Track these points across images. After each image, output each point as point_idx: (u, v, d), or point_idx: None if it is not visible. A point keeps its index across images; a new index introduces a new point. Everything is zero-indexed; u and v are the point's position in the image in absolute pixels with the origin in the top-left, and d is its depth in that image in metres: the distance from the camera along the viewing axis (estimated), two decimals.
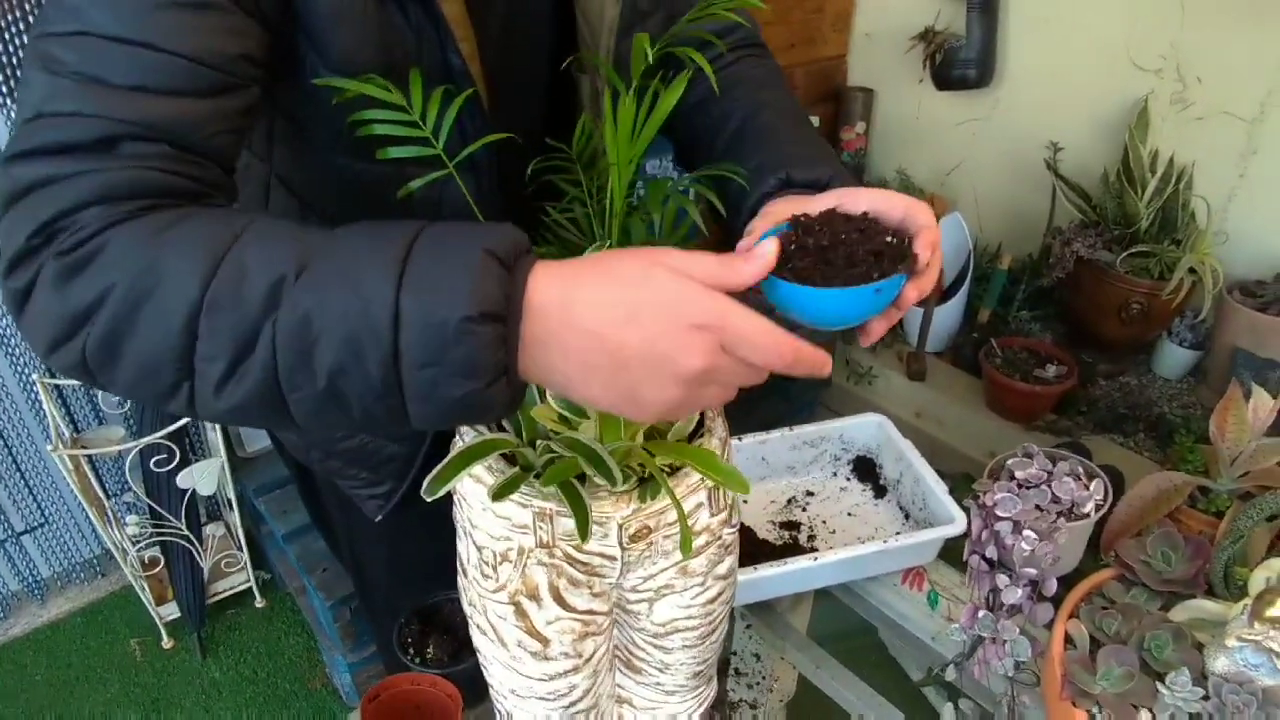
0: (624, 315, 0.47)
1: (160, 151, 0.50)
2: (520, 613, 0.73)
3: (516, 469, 0.67)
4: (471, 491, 0.71)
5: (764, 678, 1.09)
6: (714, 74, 0.65)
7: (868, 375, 1.77)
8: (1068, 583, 0.96)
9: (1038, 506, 1.03)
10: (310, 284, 0.46)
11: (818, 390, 1.89)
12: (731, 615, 1.10)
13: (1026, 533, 0.97)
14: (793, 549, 1.21)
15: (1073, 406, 1.52)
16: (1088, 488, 1.08)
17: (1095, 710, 0.81)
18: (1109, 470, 1.16)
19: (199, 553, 1.79)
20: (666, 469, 0.71)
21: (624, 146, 0.62)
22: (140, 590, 1.79)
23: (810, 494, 1.32)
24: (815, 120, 1.64)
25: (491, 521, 0.70)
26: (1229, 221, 1.53)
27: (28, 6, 1.39)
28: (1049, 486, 1.06)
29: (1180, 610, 0.88)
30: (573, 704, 0.80)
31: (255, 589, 1.95)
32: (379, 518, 0.97)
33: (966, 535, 1.05)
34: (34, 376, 1.68)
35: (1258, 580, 0.84)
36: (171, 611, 1.86)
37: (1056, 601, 0.94)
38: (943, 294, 1.68)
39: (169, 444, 1.60)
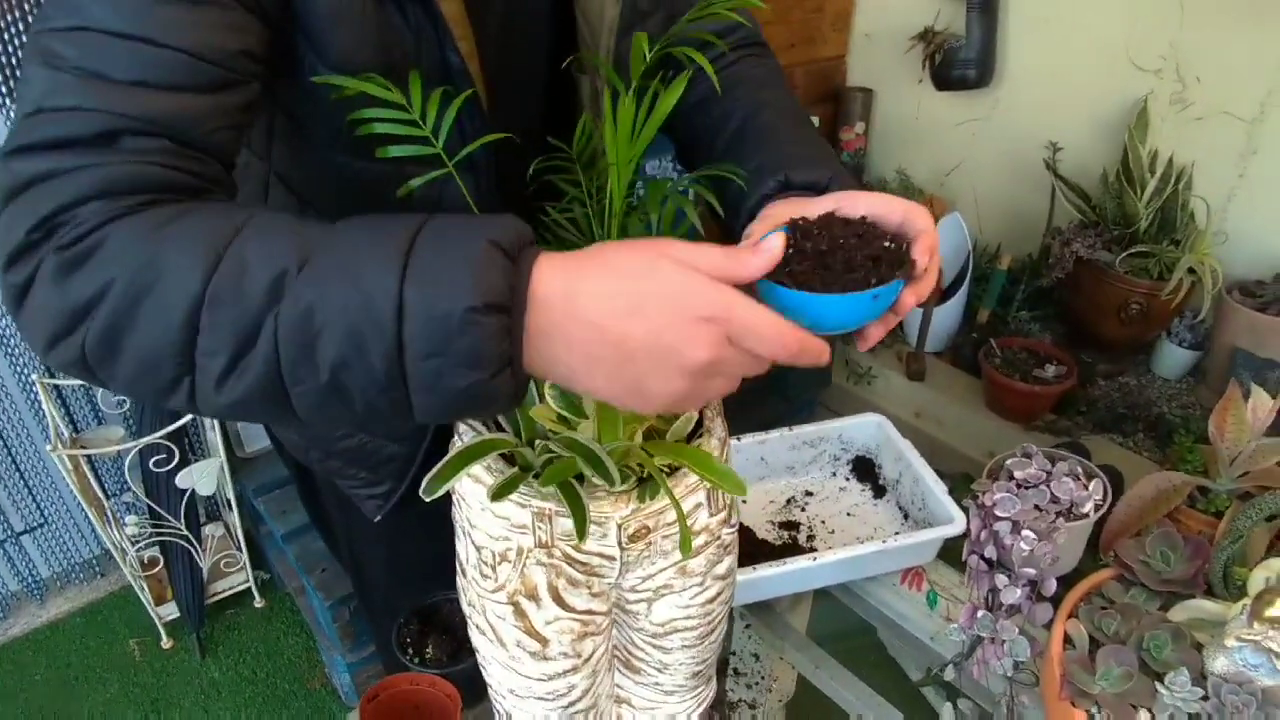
0: (629, 307, 0.47)
1: (161, 147, 0.50)
2: (519, 613, 0.73)
3: (515, 469, 0.67)
4: (470, 491, 0.71)
5: (763, 678, 1.09)
6: (715, 74, 0.65)
7: (867, 375, 1.77)
8: (1067, 583, 0.96)
9: (1037, 506, 1.03)
10: (312, 277, 0.46)
11: (817, 390, 1.89)
12: (730, 615, 1.10)
13: (1025, 533, 0.97)
14: (792, 549, 1.21)
15: (1072, 406, 1.52)
16: (1087, 488, 1.08)
17: (1094, 710, 0.81)
18: (1108, 470, 1.16)
19: (198, 553, 1.79)
20: (665, 469, 0.71)
21: (623, 147, 0.62)
22: (139, 590, 1.79)
23: (809, 494, 1.32)
24: (815, 120, 1.64)
25: (490, 521, 0.70)
26: (1228, 222, 1.53)
27: (27, 6, 1.39)
28: (1048, 486, 1.06)
29: (1179, 610, 0.88)
30: (571, 704, 0.80)
31: (254, 589, 1.94)
32: (378, 518, 0.97)
33: (965, 535, 1.05)
34: (33, 376, 1.68)
35: (1257, 580, 0.84)
36: (171, 611, 1.86)
37: (1055, 601, 0.94)
38: (942, 294, 1.69)
39: (168, 444, 1.60)
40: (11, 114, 0.51)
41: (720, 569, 0.80)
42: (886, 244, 0.56)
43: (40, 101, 0.49)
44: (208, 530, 1.96)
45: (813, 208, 0.59)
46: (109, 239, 0.46)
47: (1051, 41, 1.68)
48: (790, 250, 0.55)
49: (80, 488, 1.61)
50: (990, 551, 0.99)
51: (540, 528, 0.68)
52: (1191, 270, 1.44)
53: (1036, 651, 0.96)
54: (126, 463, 1.62)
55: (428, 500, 0.63)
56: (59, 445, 1.56)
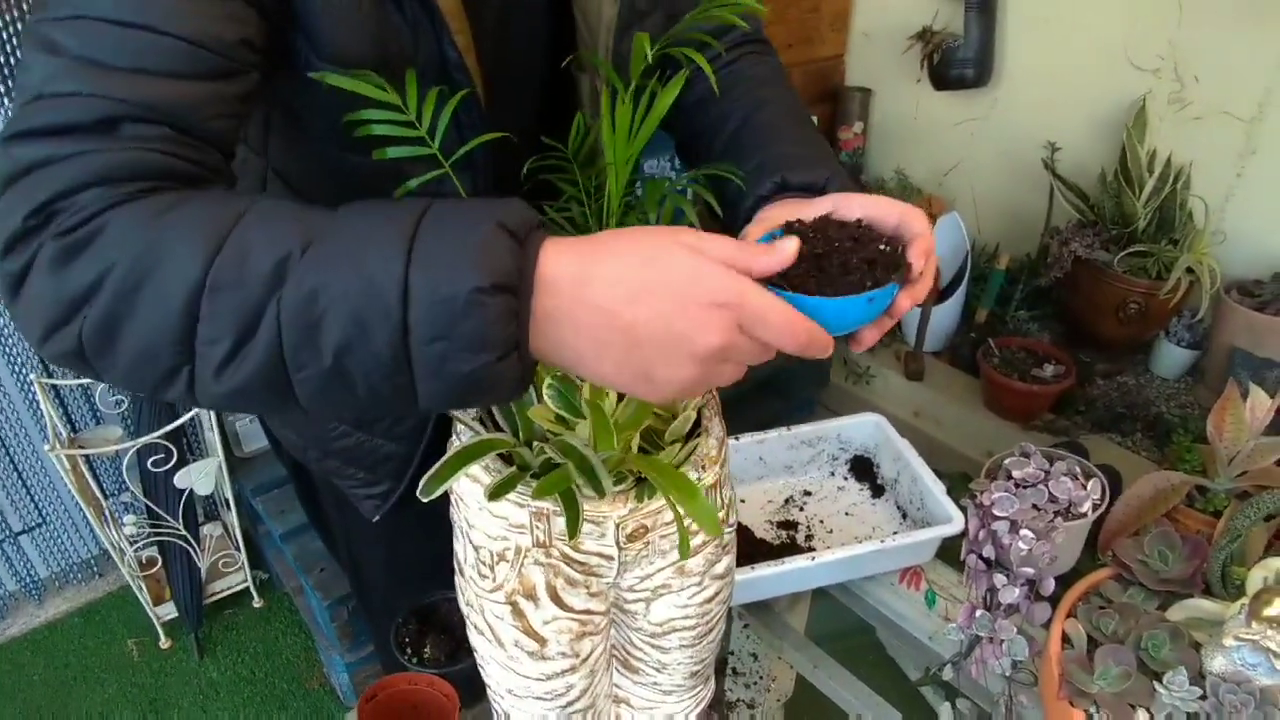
0: (639, 291, 0.46)
1: (161, 134, 0.50)
2: (517, 612, 0.73)
3: (513, 469, 0.67)
4: (468, 491, 0.71)
5: (761, 677, 1.09)
6: (714, 73, 0.65)
7: (865, 375, 1.78)
8: (1065, 582, 0.96)
9: (1035, 506, 1.03)
10: (316, 261, 0.45)
11: (815, 390, 1.89)
12: (729, 615, 1.10)
13: (1024, 532, 0.97)
14: (790, 548, 1.21)
15: (1070, 406, 1.53)
16: (1085, 487, 1.08)
17: (1093, 710, 0.81)
18: (1106, 470, 1.16)
19: (196, 553, 1.79)
20: None
21: (621, 146, 0.62)
22: (138, 590, 1.78)
23: (808, 493, 1.32)
24: (814, 121, 1.65)
25: (488, 521, 0.70)
26: (1227, 221, 1.53)
27: (25, 6, 1.39)
28: (1046, 486, 1.06)
29: (1178, 610, 0.88)
30: (570, 704, 0.80)
31: (253, 589, 1.94)
32: (376, 518, 0.96)
33: (964, 535, 1.05)
34: (31, 376, 1.68)
35: (1255, 579, 0.84)
36: (169, 611, 1.86)
37: (1054, 601, 0.94)
38: (940, 294, 1.69)
39: (166, 444, 1.60)
40: (11, 113, 0.51)
41: (718, 569, 0.80)
42: (882, 247, 0.56)
43: (40, 88, 0.49)
44: (206, 530, 1.96)
45: (809, 210, 0.59)
46: (108, 226, 0.46)
47: (1050, 41, 1.68)
48: None
49: (78, 488, 1.61)
50: (988, 551, 0.99)
51: (538, 527, 0.68)
52: (1190, 270, 1.44)
53: (1035, 651, 0.96)
54: (124, 462, 1.62)
55: (425, 500, 0.63)
56: (57, 445, 1.56)
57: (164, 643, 1.86)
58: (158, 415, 1.62)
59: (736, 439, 1.28)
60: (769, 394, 1.83)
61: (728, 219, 0.70)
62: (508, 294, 0.45)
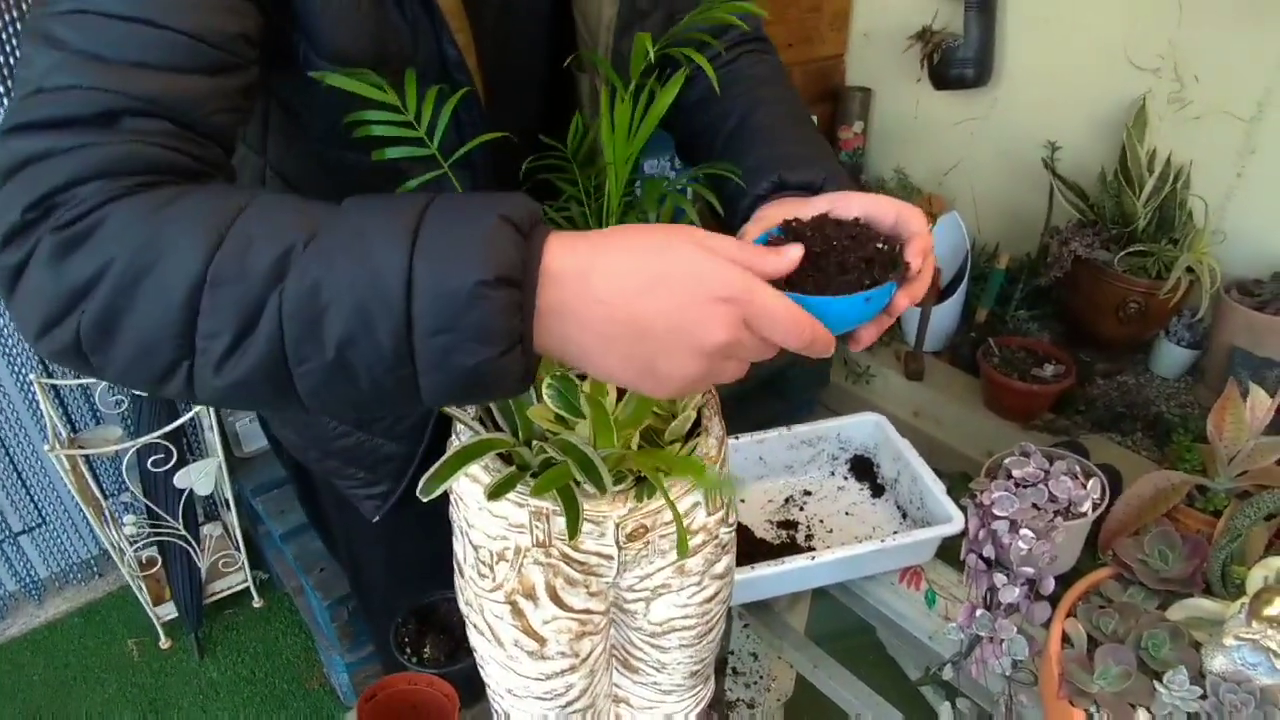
0: (645, 284, 0.46)
1: (161, 128, 0.49)
2: (517, 612, 0.73)
3: (512, 468, 0.67)
4: (468, 491, 0.71)
5: (761, 677, 1.09)
6: (714, 73, 0.65)
7: (865, 375, 1.78)
8: (1065, 582, 0.96)
9: (1035, 505, 1.03)
10: (319, 253, 0.45)
11: (815, 389, 1.89)
12: (729, 614, 1.10)
13: (1024, 532, 0.97)
14: (790, 548, 1.21)
15: (1070, 405, 1.53)
16: (1085, 486, 1.08)
17: (1093, 709, 0.81)
18: (1106, 469, 1.16)
19: (196, 553, 1.79)
20: (663, 468, 0.70)
21: (621, 145, 0.62)
22: (138, 590, 1.78)
23: (808, 493, 1.32)
24: (814, 120, 1.65)
25: (488, 521, 0.70)
26: (1227, 220, 1.53)
27: (24, 6, 1.39)
28: (1046, 485, 1.06)
29: (1178, 609, 0.88)
30: (570, 703, 0.80)
31: (253, 589, 1.94)
32: (376, 519, 0.96)
33: (964, 534, 1.05)
34: (31, 376, 1.68)
35: (1255, 579, 0.84)
36: (169, 612, 1.86)
37: (1054, 600, 0.94)
38: (940, 293, 1.69)
39: (166, 444, 1.60)
40: (10, 107, 0.50)
41: (718, 568, 0.80)
42: (880, 245, 0.55)
43: (40, 81, 0.48)
44: (206, 530, 1.96)
45: (807, 209, 0.59)
46: (108, 219, 0.45)
47: (1050, 41, 1.68)
48: None
49: (78, 488, 1.61)
50: (988, 550, 0.99)
51: (538, 527, 0.68)
52: (1190, 269, 1.44)
53: (1035, 650, 0.96)
54: (124, 462, 1.62)
55: (425, 500, 0.63)
56: (57, 445, 1.56)
57: (164, 643, 1.86)
58: (158, 415, 1.62)
59: (736, 439, 1.28)
60: (769, 394, 1.83)
61: (728, 218, 0.70)
62: (512, 287, 0.45)
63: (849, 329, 0.56)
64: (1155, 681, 0.81)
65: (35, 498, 1.86)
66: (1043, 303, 1.73)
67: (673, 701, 0.91)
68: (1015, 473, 1.07)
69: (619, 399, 0.66)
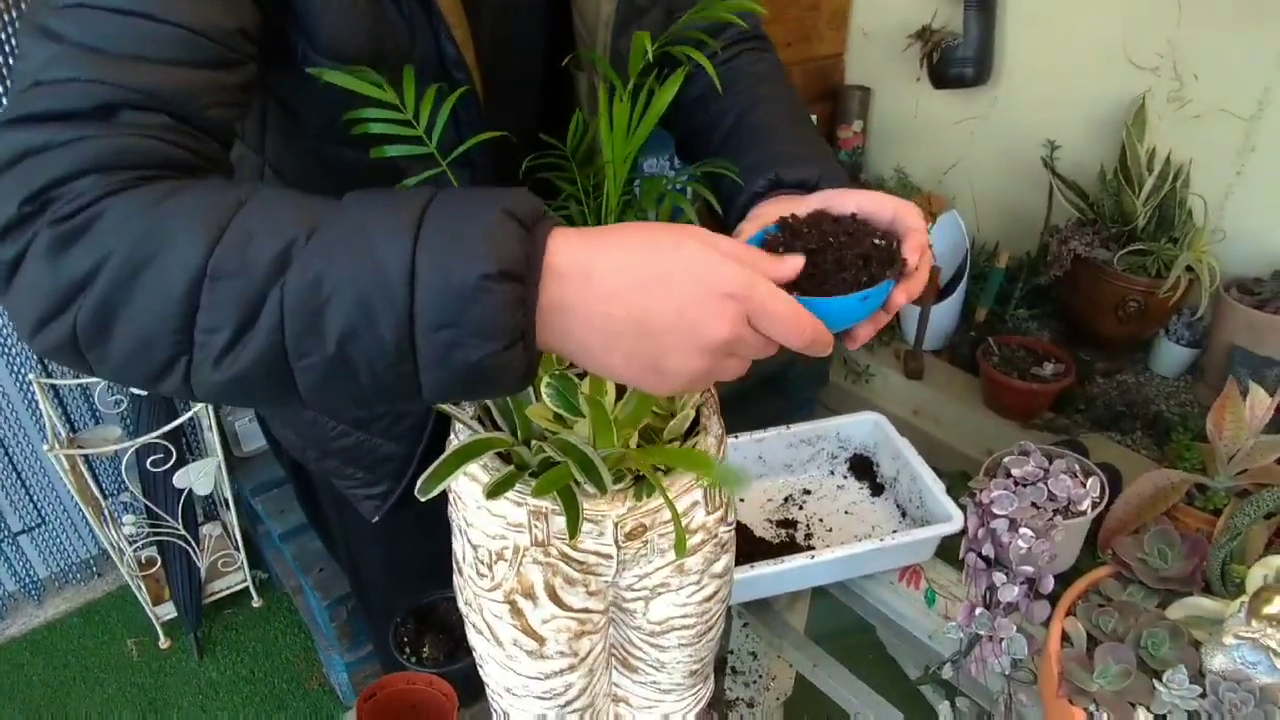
0: (650, 280, 0.46)
1: (160, 122, 0.49)
2: (516, 611, 0.73)
3: (511, 468, 0.67)
4: (466, 490, 0.70)
5: (761, 676, 1.09)
6: (713, 71, 0.65)
7: (865, 374, 1.77)
8: (1065, 580, 0.96)
9: (1034, 504, 1.02)
10: (320, 246, 0.45)
11: (815, 388, 1.89)
12: (728, 613, 1.10)
13: (1023, 530, 0.97)
14: (790, 547, 1.21)
15: (1070, 404, 1.53)
16: (1084, 485, 1.08)
17: (1092, 708, 0.81)
18: (1106, 468, 1.16)
19: (196, 552, 1.79)
20: (661, 468, 0.70)
21: (619, 144, 0.62)
22: (137, 590, 1.78)
23: (807, 492, 1.32)
24: (813, 119, 1.66)
25: (487, 520, 0.70)
26: (1226, 219, 1.53)
27: (24, 6, 1.39)
28: (1046, 484, 1.06)
29: (1177, 608, 0.88)
30: (569, 703, 0.80)
31: (252, 589, 1.94)
32: (375, 519, 0.96)
33: (963, 533, 1.05)
34: (30, 376, 1.67)
35: (1255, 577, 0.84)
36: (168, 611, 1.86)
37: (1053, 599, 0.94)
38: (940, 292, 1.69)
39: (165, 444, 1.60)
40: (7, 100, 0.50)
41: (717, 567, 0.80)
42: (877, 241, 0.55)
43: (38, 75, 0.48)
44: (205, 530, 1.96)
45: (802, 206, 0.58)
46: (106, 213, 0.45)
47: (1049, 39, 1.68)
48: (780, 249, 0.55)
49: (77, 488, 1.61)
50: (988, 549, 0.99)
51: (536, 526, 0.68)
52: (1189, 268, 1.44)
53: (1034, 649, 0.96)
54: (124, 462, 1.62)
55: (423, 500, 0.63)
56: (56, 445, 1.56)
57: (163, 643, 1.86)
58: (157, 415, 1.62)
59: (735, 438, 1.28)
60: (768, 392, 1.83)
61: (723, 214, 0.70)
62: (515, 281, 0.45)
63: (846, 327, 0.56)
64: (1155, 680, 0.81)
65: (34, 498, 1.86)
66: (1042, 301, 1.72)
67: (672, 701, 0.91)
68: (1015, 471, 1.07)
69: (618, 398, 0.66)
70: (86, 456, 1.74)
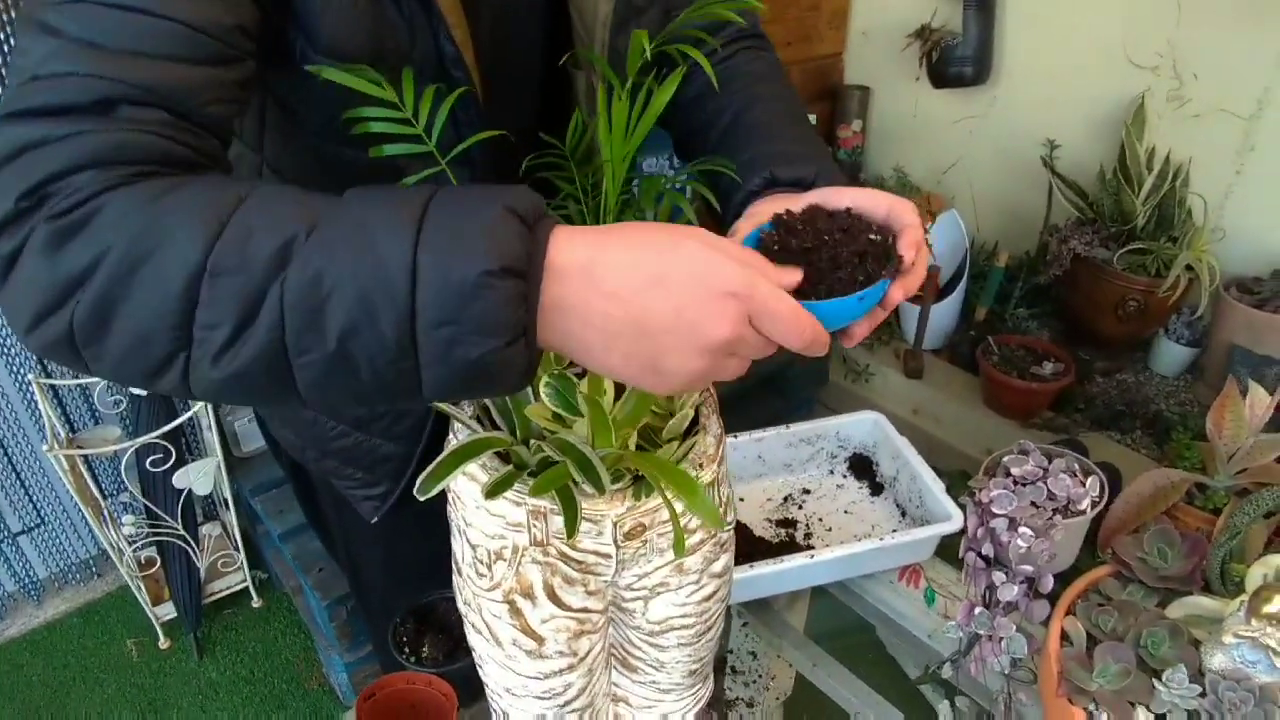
0: (650, 280, 0.46)
1: (158, 118, 0.49)
2: (515, 611, 0.73)
3: (510, 467, 0.67)
4: (465, 490, 0.70)
5: (760, 676, 1.09)
6: (711, 69, 0.64)
7: (865, 373, 1.77)
8: (1064, 580, 0.96)
9: (1034, 503, 1.02)
10: (321, 242, 0.45)
11: (814, 388, 1.89)
12: (728, 613, 1.10)
13: (1023, 530, 0.97)
14: (789, 547, 1.21)
15: (1070, 403, 1.53)
16: (1084, 484, 1.08)
17: (1092, 707, 0.81)
18: (1106, 467, 1.16)
19: (195, 553, 1.79)
20: None
21: (618, 143, 0.62)
22: (137, 590, 1.78)
23: (807, 492, 1.32)
24: (812, 118, 1.65)
25: (486, 520, 0.69)
26: (1226, 218, 1.53)
27: (22, 2, 1.39)
28: (1045, 483, 1.06)
29: (1177, 607, 0.88)
30: (568, 702, 0.80)
31: (252, 589, 1.94)
32: (375, 519, 0.96)
33: (963, 532, 1.05)
34: (29, 376, 1.67)
35: (1254, 577, 0.84)
36: (168, 612, 1.86)
37: (1053, 599, 0.94)
38: (939, 292, 1.69)
39: (165, 444, 1.60)
40: (5, 95, 0.50)
41: (717, 567, 0.80)
42: (872, 236, 0.55)
43: (35, 69, 0.48)
44: (205, 530, 1.96)
45: (797, 204, 0.58)
46: (104, 208, 0.45)
47: (1049, 39, 1.68)
48: (775, 247, 0.55)
49: (77, 488, 1.61)
50: (987, 549, 0.99)
51: (535, 526, 0.68)
52: (1189, 267, 1.44)
53: (1034, 649, 0.96)
54: (123, 462, 1.62)
55: (422, 499, 0.63)
56: (55, 445, 1.55)
57: (163, 643, 1.86)
58: (156, 415, 1.62)
59: (735, 437, 1.28)
60: (768, 392, 1.83)
61: (723, 213, 0.70)
62: (517, 278, 0.44)
63: (843, 326, 0.56)
64: (1154, 679, 0.81)
65: (34, 498, 1.86)
66: (1042, 301, 1.72)
67: (671, 700, 0.91)
68: (1014, 471, 1.07)
69: (617, 397, 0.65)
70: (86, 457, 1.74)
